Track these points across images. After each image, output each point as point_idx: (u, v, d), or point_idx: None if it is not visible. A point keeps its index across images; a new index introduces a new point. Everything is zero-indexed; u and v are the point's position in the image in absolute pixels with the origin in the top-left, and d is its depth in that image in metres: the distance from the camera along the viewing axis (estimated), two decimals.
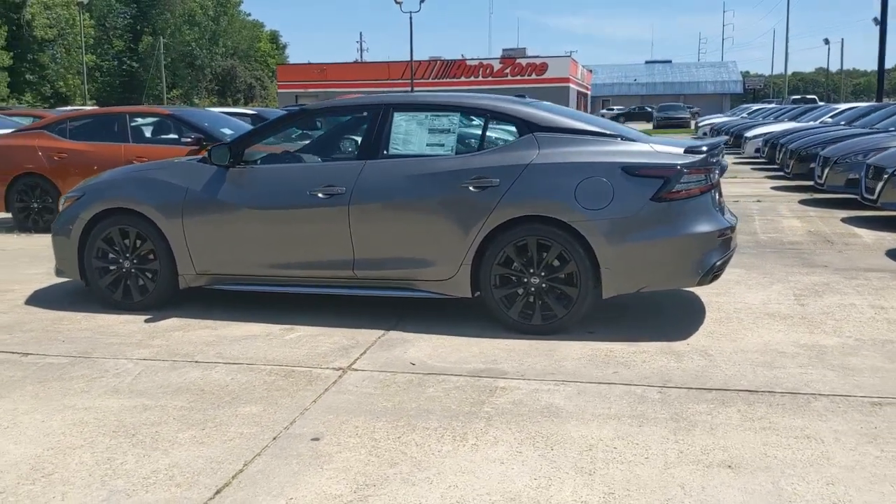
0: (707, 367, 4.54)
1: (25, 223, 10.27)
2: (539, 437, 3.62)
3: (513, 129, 5.43)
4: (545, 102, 5.93)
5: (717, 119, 36.27)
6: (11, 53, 56.47)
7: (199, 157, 5.96)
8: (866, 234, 9.15)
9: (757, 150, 20.11)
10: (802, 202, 12.40)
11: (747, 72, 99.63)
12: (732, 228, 5.31)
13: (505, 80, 58.34)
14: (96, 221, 5.96)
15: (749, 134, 22.14)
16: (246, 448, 3.54)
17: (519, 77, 58.91)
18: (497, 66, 60.01)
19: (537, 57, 60.48)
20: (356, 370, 4.58)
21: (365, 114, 5.82)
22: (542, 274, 5.13)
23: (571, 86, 60.70)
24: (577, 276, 5.07)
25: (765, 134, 20.01)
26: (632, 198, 4.99)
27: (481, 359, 4.74)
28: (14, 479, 3.27)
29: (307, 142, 7.40)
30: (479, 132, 5.50)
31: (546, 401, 4.06)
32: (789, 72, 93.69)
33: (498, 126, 5.66)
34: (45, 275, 7.04)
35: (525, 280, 5.16)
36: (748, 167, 19.44)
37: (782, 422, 3.75)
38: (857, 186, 10.52)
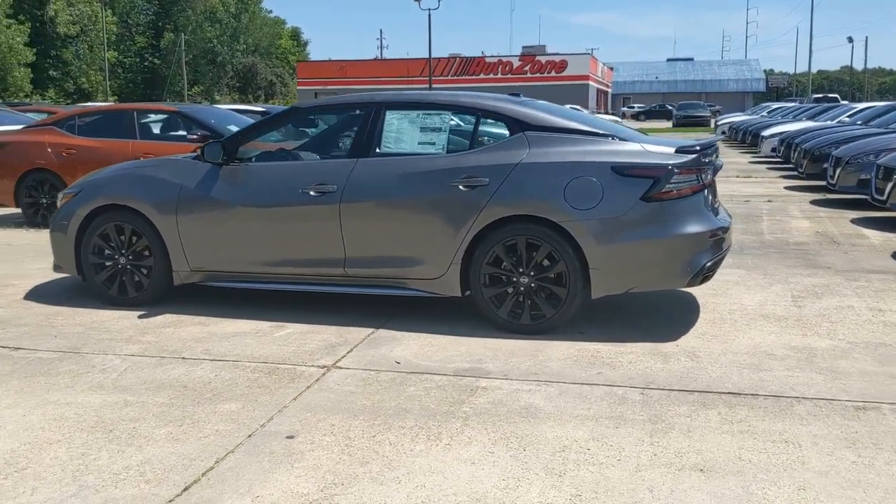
0: (693, 369, 4.50)
1: (34, 218, 10.37)
2: (513, 437, 3.61)
3: (504, 128, 5.41)
4: (539, 101, 5.90)
5: (737, 118, 35.98)
6: (35, 50, 57.00)
7: (194, 154, 5.98)
8: (874, 236, 9.04)
9: (773, 150, 19.89)
10: (814, 203, 12.28)
11: (771, 70, 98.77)
12: (725, 229, 5.26)
13: (524, 77, 58.26)
14: (93, 218, 6.01)
15: (766, 133, 21.90)
16: (220, 445, 3.55)
17: (538, 74, 58.81)
18: (516, 63, 59.92)
19: (557, 54, 60.33)
20: (340, 368, 4.59)
21: (357, 112, 5.81)
22: (532, 274, 5.11)
23: (591, 83, 60.48)
24: (566, 276, 5.05)
25: (781, 133, 19.80)
26: (621, 198, 4.96)
27: (467, 358, 4.73)
28: None
29: (304, 139, 7.42)
30: (471, 131, 5.49)
31: (525, 401, 4.04)
32: (814, 70, 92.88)
33: (489, 125, 5.64)
34: (47, 270, 7.07)
35: (514, 280, 5.15)
36: (764, 167, 19.28)
37: (761, 425, 3.71)
38: (868, 187, 10.39)
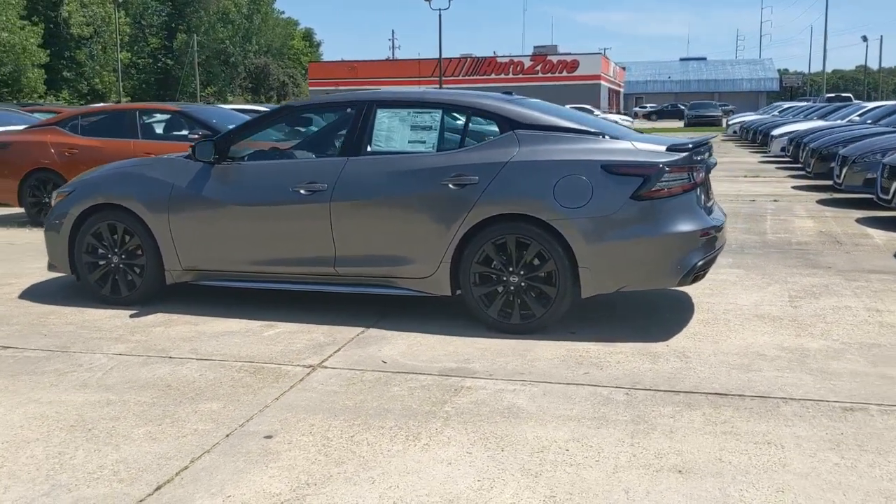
0: (681, 370, 4.45)
1: (37, 218, 10.39)
2: (493, 437, 3.57)
3: (494, 126, 5.37)
4: (532, 99, 5.86)
5: (748, 117, 35.79)
6: (48, 51, 57.27)
7: (186, 153, 5.97)
8: (878, 235, 8.94)
9: (783, 149, 19.76)
10: (820, 202, 12.17)
11: (786, 70, 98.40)
12: (717, 228, 5.20)
13: (536, 77, 58.17)
14: (86, 217, 6.01)
15: (776, 132, 21.76)
16: (197, 445, 3.53)
17: (550, 74, 58.69)
18: (528, 63, 59.81)
19: (568, 54, 60.18)
20: (325, 368, 4.56)
21: (349, 110, 5.79)
22: (522, 272, 5.07)
23: (602, 83, 60.29)
24: (555, 275, 5.01)
25: (790, 132, 19.66)
26: (611, 196, 4.91)
27: (454, 358, 4.70)
28: None
29: (298, 139, 7.40)
30: (461, 129, 5.45)
31: (509, 401, 4.01)
32: (829, 69, 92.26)
33: (480, 123, 5.61)
34: (45, 269, 7.09)
35: (504, 278, 5.11)
36: (773, 166, 19.15)
37: (745, 426, 3.66)
38: (874, 186, 10.28)
